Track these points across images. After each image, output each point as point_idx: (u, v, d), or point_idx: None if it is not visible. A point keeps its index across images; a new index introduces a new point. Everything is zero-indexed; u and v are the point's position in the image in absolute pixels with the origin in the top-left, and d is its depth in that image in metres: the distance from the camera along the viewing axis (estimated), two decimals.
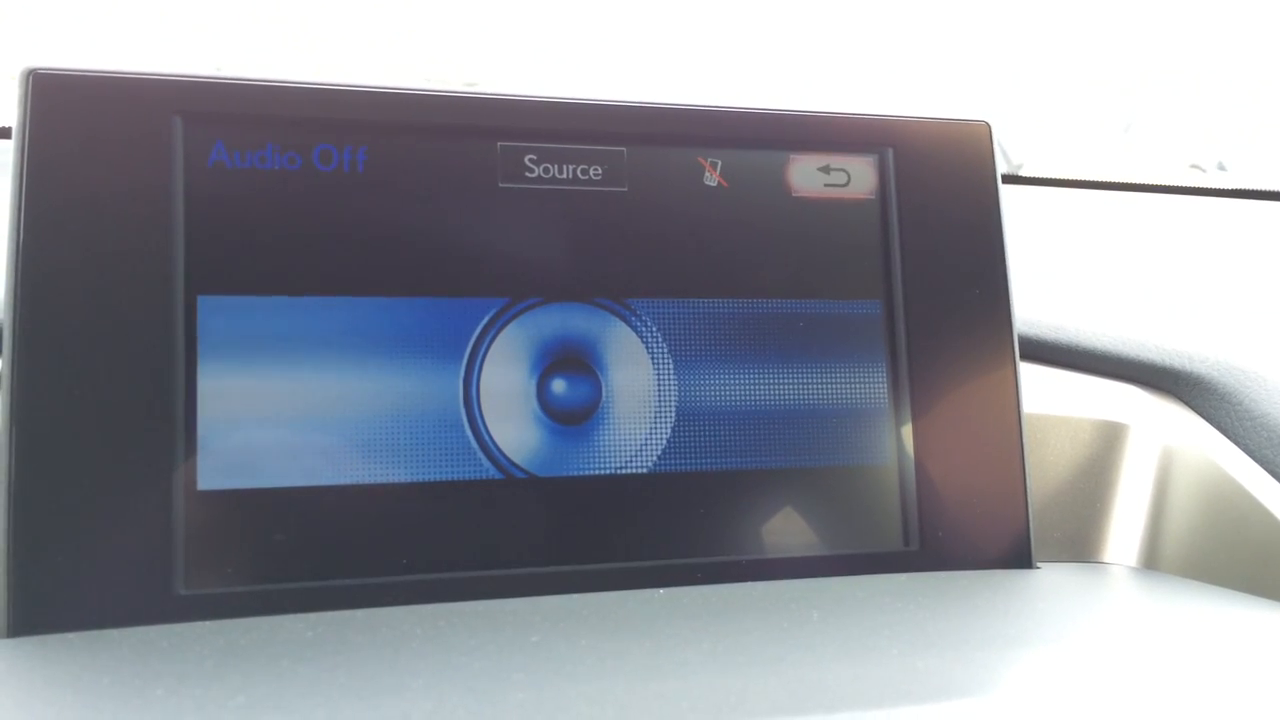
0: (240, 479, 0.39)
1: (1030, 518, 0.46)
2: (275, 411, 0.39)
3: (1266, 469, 0.47)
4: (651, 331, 0.43)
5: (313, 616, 0.37)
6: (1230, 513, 0.46)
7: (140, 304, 0.38)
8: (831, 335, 0.45)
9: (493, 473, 0.41)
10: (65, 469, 0.37)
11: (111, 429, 0.37)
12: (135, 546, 0.37)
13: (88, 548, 0.37)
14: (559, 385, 0.42)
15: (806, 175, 0.46)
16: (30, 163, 0.38)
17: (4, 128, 0.63)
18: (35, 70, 0.38)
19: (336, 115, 0.41)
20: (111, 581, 0.37)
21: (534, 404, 0.42)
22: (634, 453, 0.43)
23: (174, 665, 0.32)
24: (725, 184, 0.45)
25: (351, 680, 0.31)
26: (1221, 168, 1.03)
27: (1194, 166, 1.04)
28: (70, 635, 0.35)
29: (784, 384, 0.44)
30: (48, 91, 0.38)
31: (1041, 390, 0.51)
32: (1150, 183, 0.89)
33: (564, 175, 0.43)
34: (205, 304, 0.39)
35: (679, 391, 0.43)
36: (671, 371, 0.43)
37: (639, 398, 0.43)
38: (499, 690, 0.30)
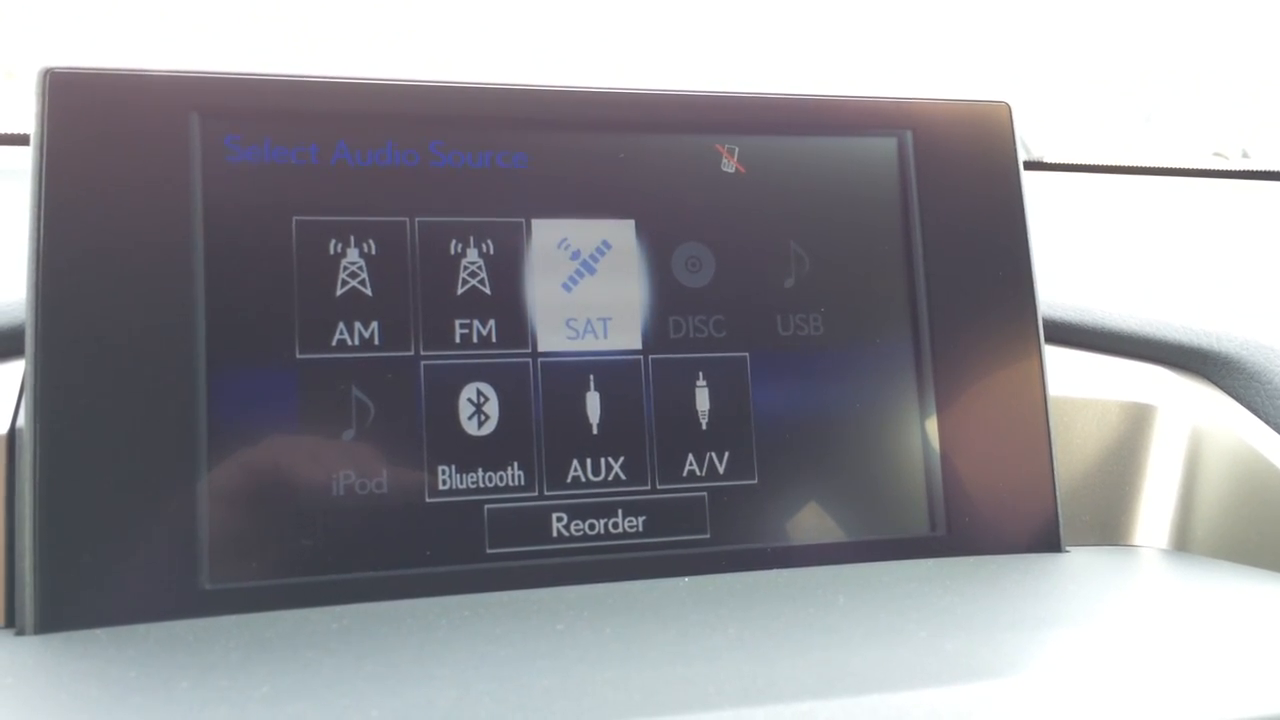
0: (263, 474, 0.39)
1: (1058, 501, 0.45)
2: (296, 405, 0.39)
3: None
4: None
5: (338, 609, 0.37)
6: (1262, 492, 0.46)
7: (161, 299, 0.38)
8: (854, 321, 0.45)
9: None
10: (90, 467, 0.37)
11: (135, 426, 0.37)
12: (160, 542, 0.37)
13: (113, 545, 0.37)
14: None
15: (825, 159, 0.46)
16: (48, 161, 0.38)
17: (16, 134, 0.63)
18: (52, 69, 0.39)
19: (353, 109, 0.41)
20: (137, 577, 0.37)
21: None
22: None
23: (200, 658, 0.32)
24: (743, 170, 0.45)
25: (377, 670, 0.31)
26: (1245, 155, 1.02)
27: (1217, 154, 1.03)
28: (97, 631, 0.36)
29: (807, 371, 0.44)
30: (65, 90, 0.38)
31: (1067, 373, 0.50)
32: (1173, 166, 0.88)
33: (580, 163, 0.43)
34: (225, 300, 0.39)
35: (704, 379, 0.43)
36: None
37: None
38: (524, 677, 0.30)
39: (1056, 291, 0.53)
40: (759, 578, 0.41)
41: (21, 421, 0.39)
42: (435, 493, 0.40)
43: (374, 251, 0.41)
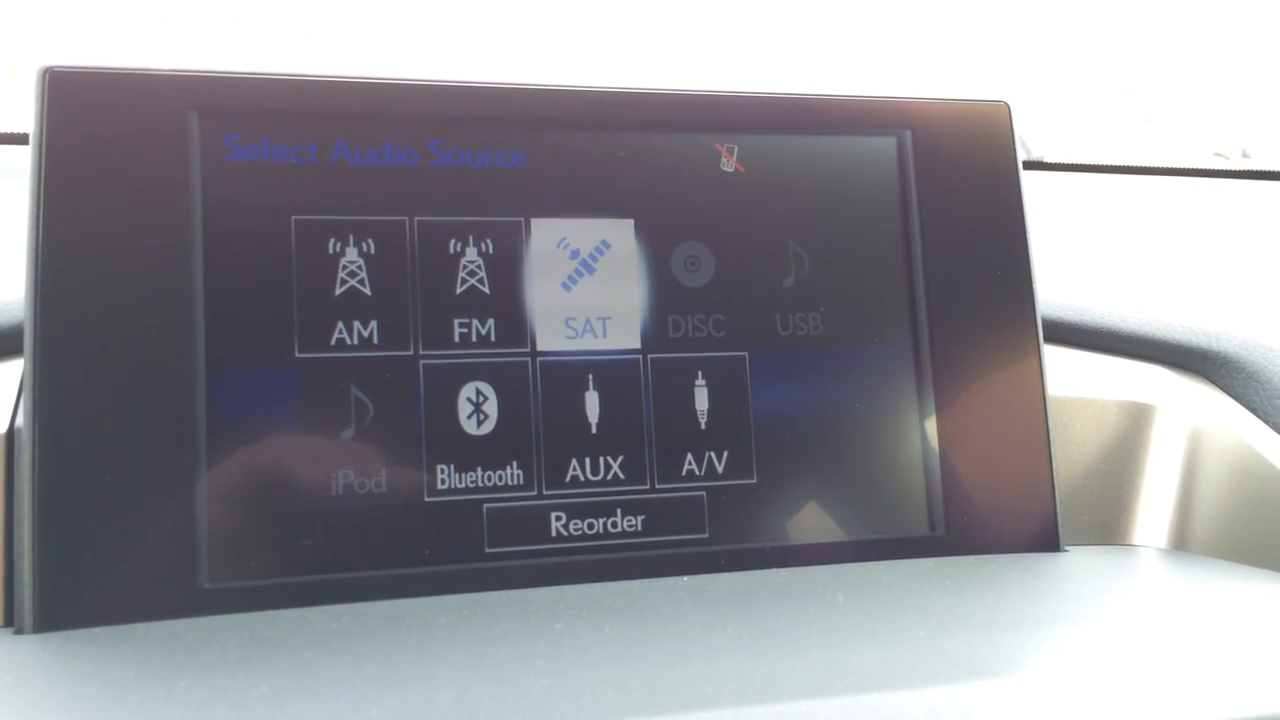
0: (262, 473, 0.39)
1: (1057, 500, 0.45)
2: (295, 404, 0.39)
3: None
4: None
5: (337, 608, 0.37)
6: (1261, 492, 0.46)
7: (160, 299, 0.38)
8: (853, 320, 0.45)
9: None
10: (89, 466, 0.37)
11: (134, 425, 0.37)
12: (159, 542, 0.37)
13: (112, 544, 0.37)
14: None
15: (824, 159, 0.46)
16: (47, 160, 0.38)
17: (17, 134, 0.63)
18: (51, 68, 0.39)
19: (353, 108, 0.41)
20: (136, 577, 0.37)
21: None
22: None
23: (199, 657, 0.32)
24: (742, 169, 0.45)
25: (376, 669, 0.31)
26: (1245, 155, 1.02)
27: (1218, 154, 1.03)
28: (96, 630, 0.35)
29: (806, 370, 0.44)
30: (64, 89, 0.38)
31: (1066, 372, 0.50)
32: (1173, 166, 0.88)
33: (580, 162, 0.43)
34: (224, 299, 0.39)
35: (704, 379, 0.43)
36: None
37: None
38: (523, 676, 0.30)
39: (1056, 291, 0.53)
40: (758, 577, 0.41)
41: (20, 421, 0.39)
42: (434, 492, 0.40)
43: (373, 251, 0.41)
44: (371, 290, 0.41)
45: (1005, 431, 0.45)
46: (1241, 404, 0.49)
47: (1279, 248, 0.76)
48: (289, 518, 0.39)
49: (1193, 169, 0.89)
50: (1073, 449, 0.48)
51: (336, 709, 0.27)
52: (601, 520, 0.41)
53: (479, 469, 0.41)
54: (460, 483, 0.40)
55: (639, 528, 0.42)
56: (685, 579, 0.41)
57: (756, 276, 0.44)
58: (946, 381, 0.45)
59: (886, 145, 0.46)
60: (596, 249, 0.43)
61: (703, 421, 0.43)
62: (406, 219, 0.42)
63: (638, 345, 0.43)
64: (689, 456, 0.43)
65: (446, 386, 0.41)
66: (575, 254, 0.43)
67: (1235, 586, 0.41)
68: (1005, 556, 0.44)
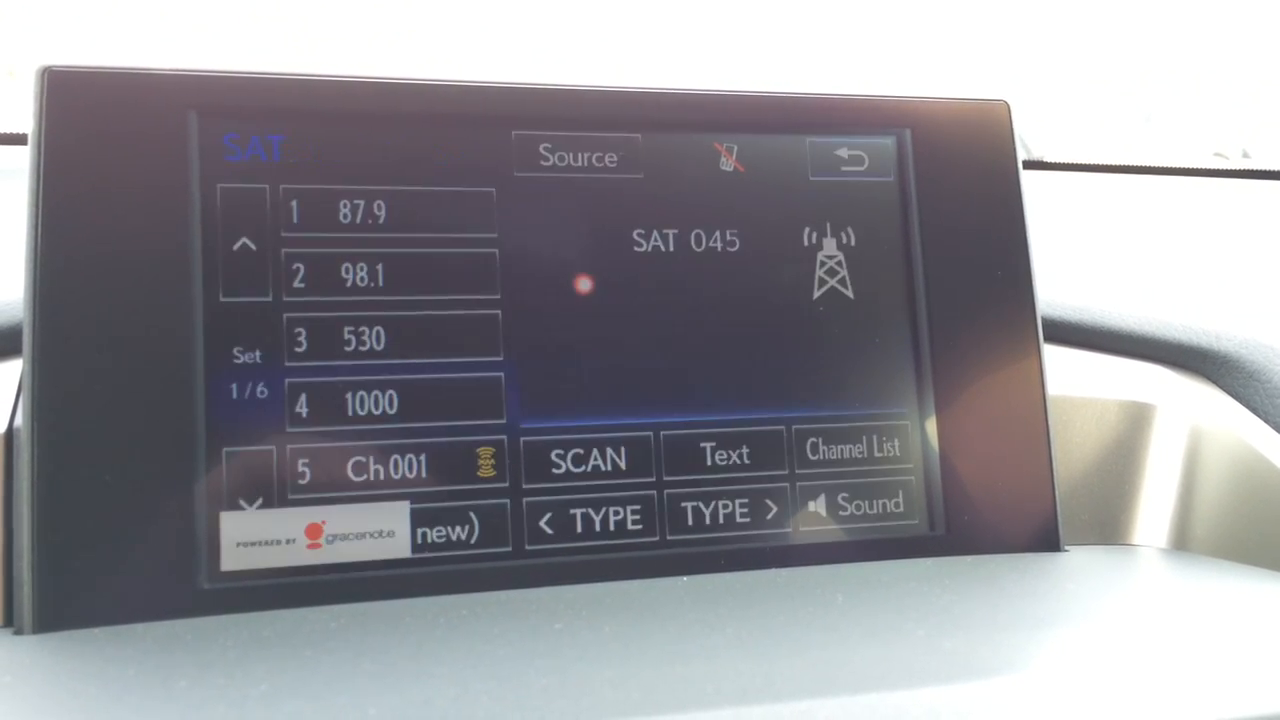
0: (262, 473, 0.39)
1: (1057, 500, 0.45)
2: (295, 404, 0.39)
3: None
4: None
5: (336, 608, 0.37)
6: (1261, 491, 0.46)
7: (160, 300, 0.38)
8: (853, 320, 0.45)
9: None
10: (88, 466, 0.37)
11: (133, 425, 0.37)
12: (158, 542, 0.37)
13: (111, 544, 0.37)
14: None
15: (824, 158, 0.46)
16: (46, 160, 0.38)
17: (17, 134, 0.63)
18: (50, 68, 0.39)
19: (352, 107, 0.41)
20: (135, 577, 0.37)
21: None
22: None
23: (197, 657, 0.32)
24: (742, 169, 0.45)
25: (375, 668, 0.31)
26: (1245, 155, 1.03)
27: (1218, 154, 1.03)
28: (95, 630, 0.35)
29: (807, 370, 0.44)
30: (63, 88, 0.38)
31: (1066, 372, 0.50)
32: (1173, 166, 0.88)
33: (579, 163, 0.43)
34: (224, 299, 0.39)
35: (703, 379, 0.43)
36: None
37: None
38: (522, 675, 0.30)
39: (1056, 291, 0.53)
40: (758, 577, 0.41)
41: (19, 421, 0.39)
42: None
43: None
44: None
45: (1005, 431, 0.45)
46: (1242, 403, 0.49)
47: (1279, 248, 0.75)
48: (288, 518, 0.39)
49: (1193, 169, 0.89)
50: (1073, 449, 0.48)
51: (336, 708, 0.27)
52: (601, 520, 0.41)
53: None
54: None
55: (640, 528, 0.42)
56: (685, 579, 0.41)
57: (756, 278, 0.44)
58: (946, 381, 0.45)
59: (886, 145, 0.46)
60: None
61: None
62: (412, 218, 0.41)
63: None
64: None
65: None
66: None
67: (1235, 586, 0.41)
68: (1005, 556, 0.44)
